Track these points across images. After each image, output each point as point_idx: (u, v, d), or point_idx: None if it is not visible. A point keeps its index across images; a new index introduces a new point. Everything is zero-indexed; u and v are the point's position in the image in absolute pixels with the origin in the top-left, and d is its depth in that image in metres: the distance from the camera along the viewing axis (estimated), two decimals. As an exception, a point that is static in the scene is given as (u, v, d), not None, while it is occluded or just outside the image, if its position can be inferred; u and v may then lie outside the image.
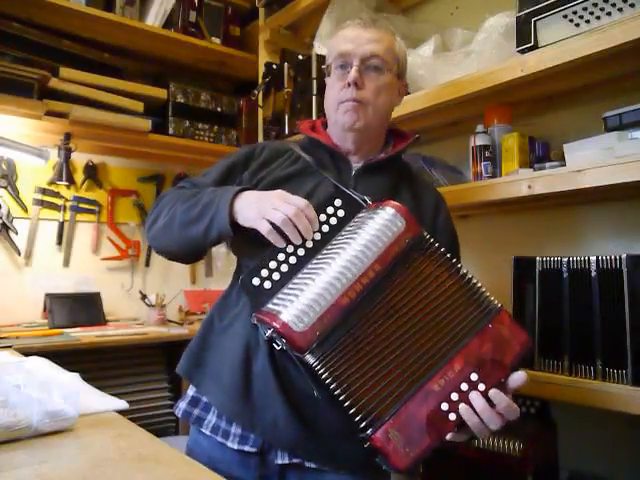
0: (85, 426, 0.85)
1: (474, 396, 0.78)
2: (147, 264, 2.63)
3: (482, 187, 1.35)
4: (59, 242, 2.38)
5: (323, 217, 0.90)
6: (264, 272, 0.86)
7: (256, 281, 0.86)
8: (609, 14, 1.10)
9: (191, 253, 1.04)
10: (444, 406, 0.78)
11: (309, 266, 0.86)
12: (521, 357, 0.83)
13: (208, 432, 0.96)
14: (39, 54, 2.14)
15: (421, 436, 0.76)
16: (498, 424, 0.79)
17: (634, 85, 1.32)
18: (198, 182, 1.07)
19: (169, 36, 2.29)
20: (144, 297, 2.45)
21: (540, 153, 1.44)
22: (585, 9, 1.13)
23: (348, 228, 0.89)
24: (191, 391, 1.02)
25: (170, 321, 2.47)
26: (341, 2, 1.89)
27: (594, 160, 1.13)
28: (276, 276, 0.86)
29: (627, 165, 1.05)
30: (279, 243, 0.87)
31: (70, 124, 2.12)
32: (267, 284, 0.86)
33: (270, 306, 0.84)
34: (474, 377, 0.79)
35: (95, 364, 2.05)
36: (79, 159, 2.42)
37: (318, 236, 0.89)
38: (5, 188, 2.23)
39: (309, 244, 0.88)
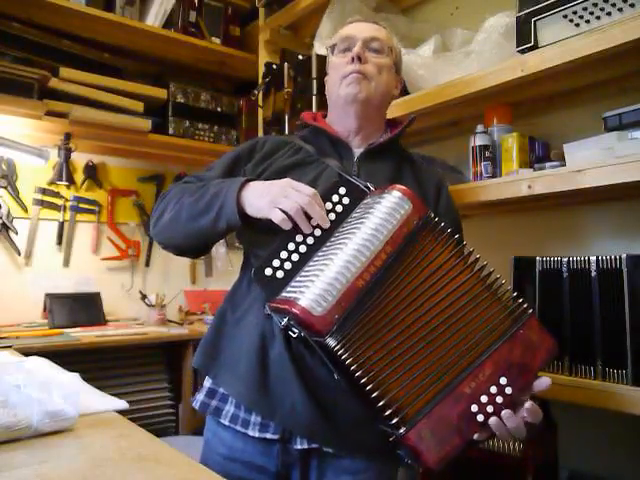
0: (85, 426, 0.85)
1: (500, 400, 0.80)
2: (147, 264, 2.63)
3: (482, 187, 1.35)
4: (59, 242, 2.38)
5: (329, 205, 0.91)
6: (276, 262, 0.87)
7: (269, 271, 0.87)
8: (609, 14, 1.10)
9: (198, 246, 1.05)
10: (474, 408, 0.80)
11: (320, 253, 0.87)
12: (547, 362, 0.85)
13: (227, 422, 0.97)
14: (39, 54, 2.14)
15: (451, 436, 0.78)
16: (523, 434, 0.81)
17: (634, 85, 1.32)
18: (203, 176, 1.08)
19: (169, 36, 2.29)
20: (144, 297, 2.45)
21: (540, 153, 1.44)
22: (585, 9, 1.13)
23: (355, 214, 0.90)
24: (207, 383, 1.04)
25: (170, 321, 2.47)
26: (341, 2, 1.89)
27: (594, 160, 1.13)
28: (288, 265, 0.87)
29: (627, 165, 1.05)
30: (293, 230, 0.88)
31: (70, 124, 2.12)
32: (279, 273, 0.87)
33: (285, 294, 0.85)
34: (503, 381, 0.81)
35: (95, 364, 2.05)
36: (79, 159, 2.42)
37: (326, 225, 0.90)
38: (5, 188, 2.24)
39: (317, 232, 0.89)
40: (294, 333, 0.84)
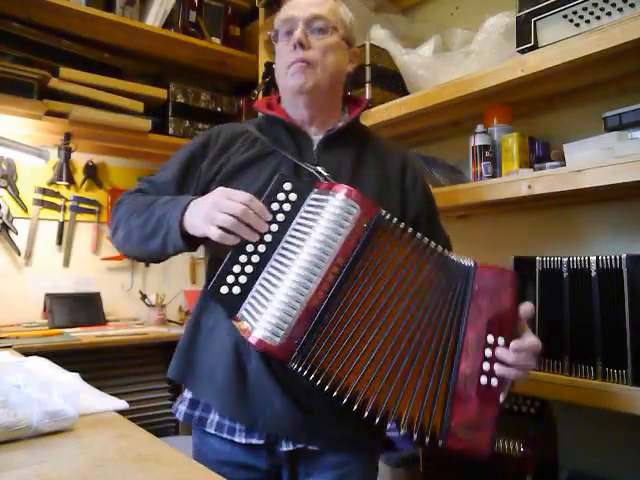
0: (85, 426, 0.85)
1: (500, 353, 0.81)
2: (147, 264, 2.63)
3: (482, 187, 1.35)
4: (59, 242, 2.38)
5: (276, 206, 0.86)
6: (230, 278, 0.84)
7: (224, 289, 0.84)
8: (609, 14, 1.11)
9: (157, 260, 1.04)
10: (483, 380, 0.80)
11: (272, 264, 0.84)
12: (518, 291, 0.83)
13: (213, 431, 0.96)
14: (39, 54, 2.14)
15: (483, 415, 0.79)
16: (533, 363, 0.82)
17: (634, 85, 1.32)
18: (157, 181, 1.05)
19: (169, 36, 2.29)
20: (144, 297, 2.45)
21: (540, 153, 1.44)
22: (585, 9, 1.13)
23: (304, 215, 0.86)
24: (188, 394, 1.02)
25: (170, 321, 2.47)
26: (341, 2, 1.89)
27: (594, 160, 1.13)
28: (243, 279, 0.84)
29: (627, 165, 1.05)
30: (234, 243, 0.84)
31: (70, 124, 2.12)
32: (236, 289, 0.84)
33: (244, 313, 0.83)
34: (490, 339, 0.81)
35: (95, 364, 2.05)
36: (79, 159, 2.42)
37: (275, 227, 0.85)
38: (5, 188, 2.24)
39: (268, 238, 0.85)
40: None
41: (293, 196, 0.87)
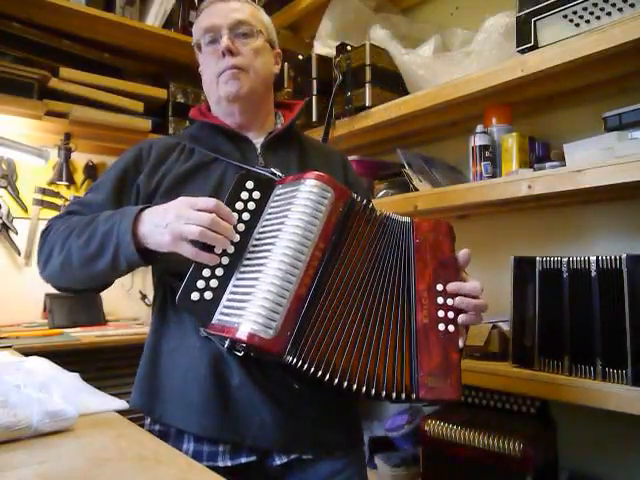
0: (85, 426, 0.84)
1: (451, 299, 0.84)
2: (147, 264, 2.62)
3: (482, 187, 1.35)
4: (59, 242, 2.38)
5: (240, 205, 0.84)
6: (200, 283, 0.80)
7: (195, 296, 0.80)
8: (609, 14, 1.11)
9: (99, 286, 0.98)
10: (441, 327, 0.83)
11: (245, 262, 0.82)
12: (453, 240, 0.88)
13: None
14: (39, 54, 2.13)
15: (447, 360, 0.81)
16: (482, 304, 0.84)
17: (634, 85, 1.32)
18: (89, 202, 0.98)
19: (169, 36, 2.29)
20: (144, 297, 2.45)
21: (540, 153, 1.44)
22: (585, 9, 1.13)
23: (272, 210, 0.85)
24: (155, 425, 0.96)
25: (170, 321, 2.46)
26: (341, 2, 1.89)
27: (594, 160, 1.13)
28: (214, 283, 0.80)
29: (627, 165, 1.05)
30: (212, 261, 0.80)
31: (70, 124, 2.11)
32: (208, 294, 0.80)
33: (222, 317, 0.80)
34: (440, 287, 0.84)
35: (95, 364, 2.04)
36: (79, 159, 2.42)
37: (242, 227, 0.83)
38: (5, 188, 2.23)
39: (236, 237, 0.83)
40: (239, 352, 0.80)
41: (257, 194, 0.86)
